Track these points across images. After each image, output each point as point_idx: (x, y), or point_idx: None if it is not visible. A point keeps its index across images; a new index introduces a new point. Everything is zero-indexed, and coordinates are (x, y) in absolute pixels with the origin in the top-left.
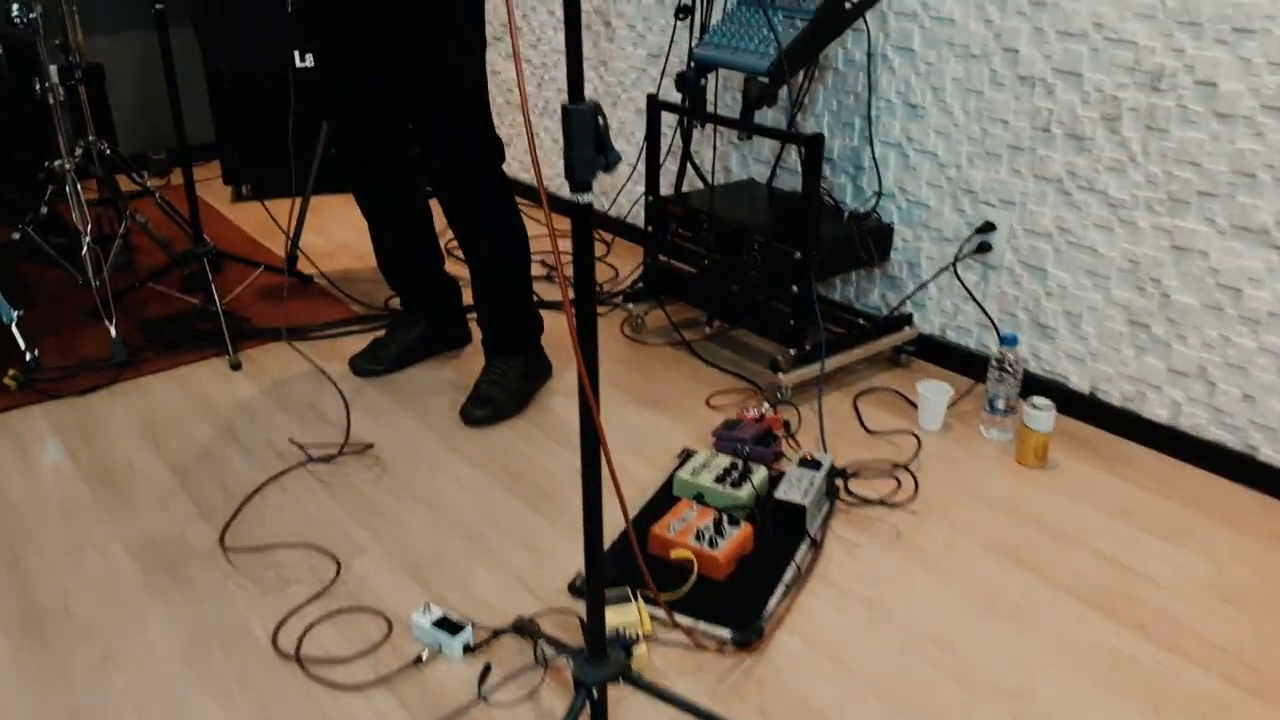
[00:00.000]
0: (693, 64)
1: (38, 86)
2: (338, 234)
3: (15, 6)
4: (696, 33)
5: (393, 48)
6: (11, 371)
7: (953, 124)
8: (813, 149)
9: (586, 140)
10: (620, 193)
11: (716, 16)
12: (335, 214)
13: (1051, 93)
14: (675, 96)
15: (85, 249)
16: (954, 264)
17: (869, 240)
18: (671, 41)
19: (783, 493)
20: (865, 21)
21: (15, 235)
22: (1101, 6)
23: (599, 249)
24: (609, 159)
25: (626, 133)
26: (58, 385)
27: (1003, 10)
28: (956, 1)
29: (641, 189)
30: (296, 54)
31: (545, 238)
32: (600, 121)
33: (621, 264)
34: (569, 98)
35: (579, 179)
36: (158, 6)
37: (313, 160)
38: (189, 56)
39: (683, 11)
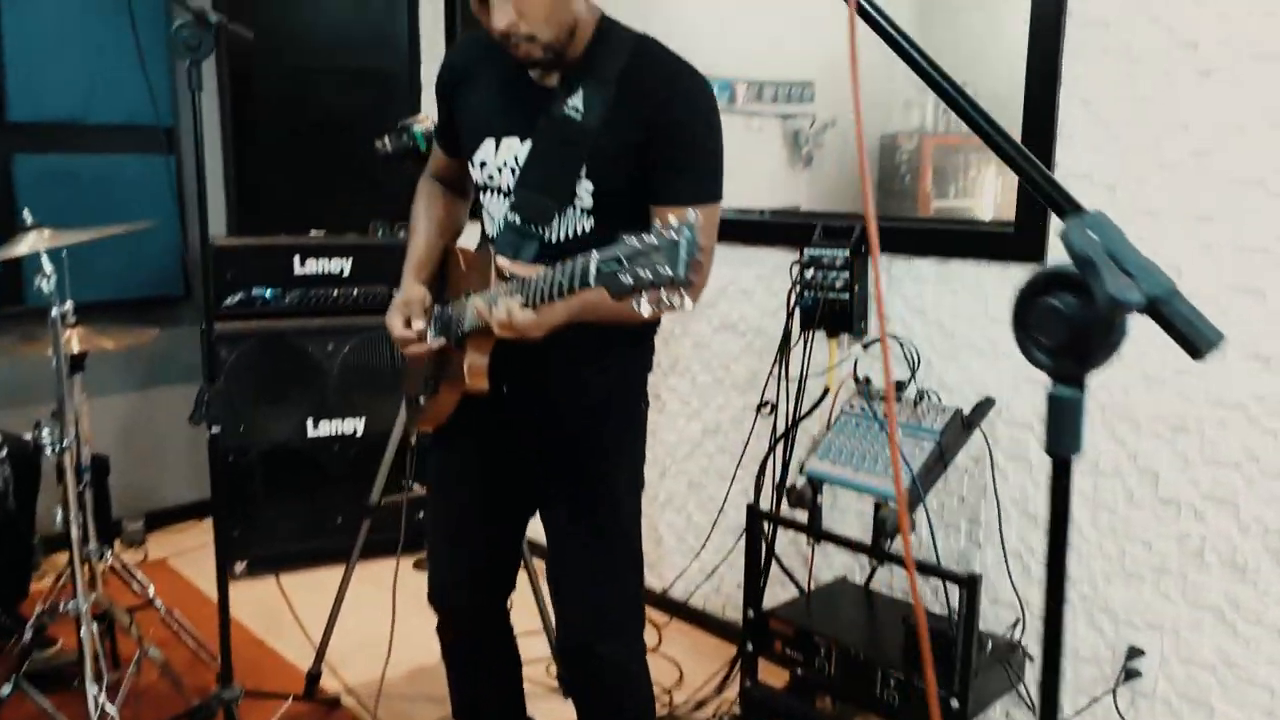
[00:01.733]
0: (807, 479)
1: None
2: (360, 622)
3: (46, 431)
4: (779, 427)
5: (555, 472)
6: None
7: (1083, 539)
8: (971, 591)
9: None
10: (681, 576)
11: (817, 418)
12: (357, 591)
13: (1202, 519)
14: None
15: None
16: (1113, 693)
17: (1018, 673)
18: (750, 434)
19: None
20: (982, 430)
21: (5, 689)
22: (1254, 440)
23: (649, 636)
24: None
25: (676, 504)
26: None
27: (1137, 431)
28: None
29: (695, 563)
30: (310, 421)
31: None
32: None
33: (683, 658)
34: None
35: None
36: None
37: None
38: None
39: (766, 406)
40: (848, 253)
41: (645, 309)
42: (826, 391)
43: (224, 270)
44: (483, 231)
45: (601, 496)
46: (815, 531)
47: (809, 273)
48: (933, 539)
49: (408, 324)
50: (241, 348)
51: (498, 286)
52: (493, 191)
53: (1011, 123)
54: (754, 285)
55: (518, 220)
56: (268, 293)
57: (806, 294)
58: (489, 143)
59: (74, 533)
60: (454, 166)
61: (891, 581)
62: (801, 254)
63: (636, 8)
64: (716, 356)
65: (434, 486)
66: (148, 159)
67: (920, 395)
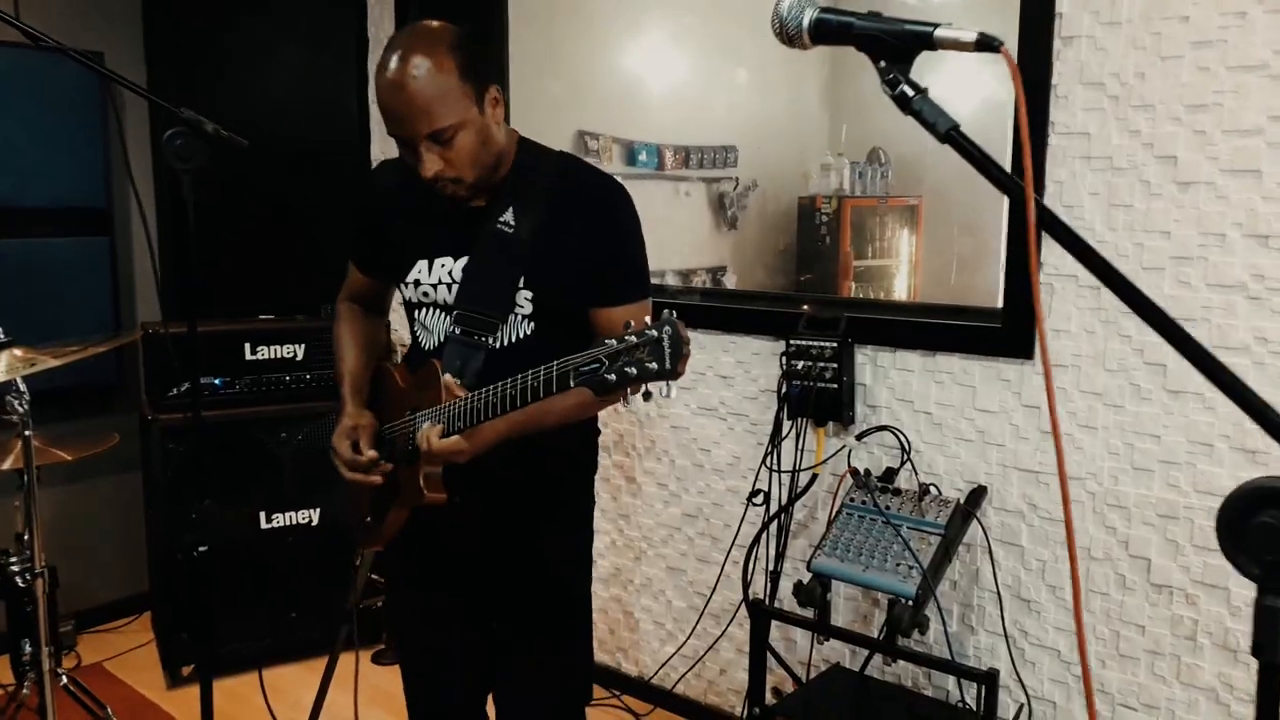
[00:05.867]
0: (814, 575)
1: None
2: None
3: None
4: (766, 513)
5: (506, 584)
6: None
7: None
8: (990, 687)
9: None
10: (664, 664)
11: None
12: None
13: (1194, 603)
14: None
15: None
16: None
17: None
18: (741, 523)
19: None
20: (977, 518)
21: None
22: None
23: None
24: None
25: (654, 589)
26: None
27: (1128, 520)
28: (1070, 505)
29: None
30: (263, 515)
31: None
32: None
33: None
34: None
35: None
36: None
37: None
38: (121, 501)
39: (757, 495)
40: (835, 344)
41: (633, 401)
42: (815, 478)
43: (169, 359)
44: (415, 345)
45: (553, 606)
46: (824, 628)
47: (796, 362)
48: (946, 636)
49: (356, 448)
50: (189, 440)
51: (450, 401)
52: (429, 308)
53: (915, 187)
54: (733, 371)
55: (459, 332)
56: (216, 381)
57: (795, 383)
58: (421, 263)
59: (45, 663)
60: (373, 287)
61: (885, 667)
62: (788, 344)
63: (571, 78)
64: (696, 440)
65: (399, 623)
66: (84, 242)
67: (924, 490)
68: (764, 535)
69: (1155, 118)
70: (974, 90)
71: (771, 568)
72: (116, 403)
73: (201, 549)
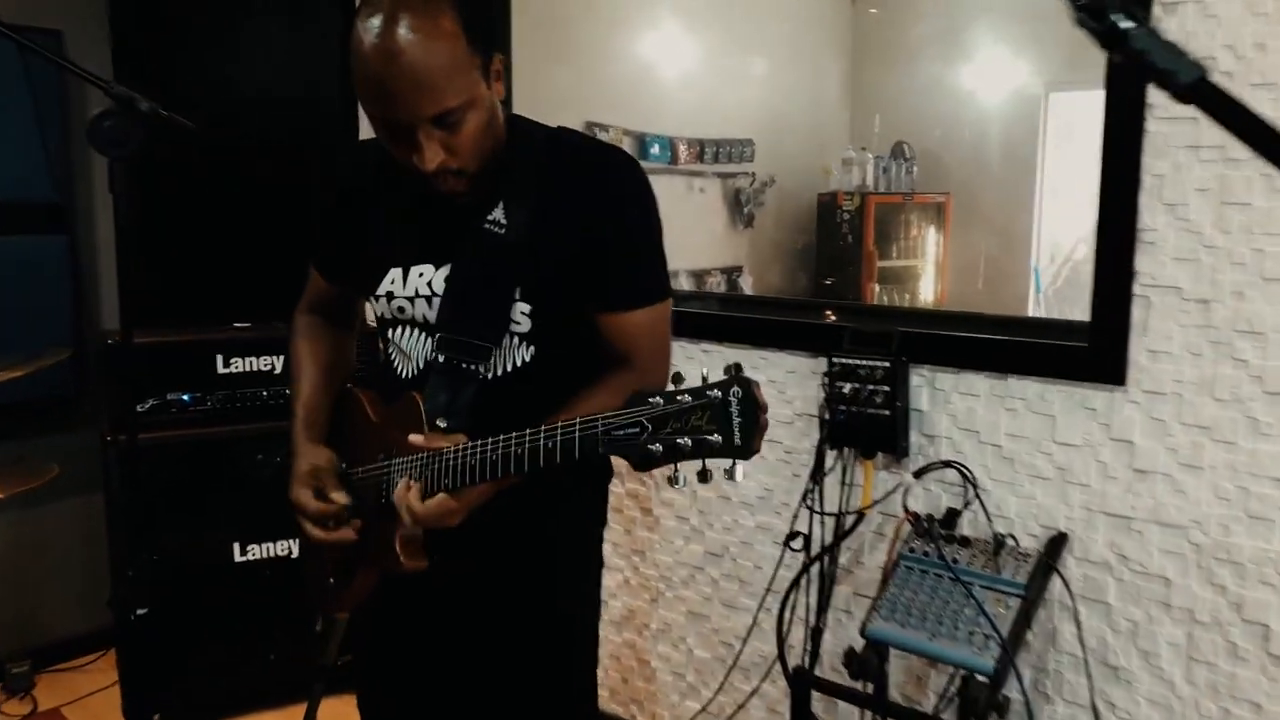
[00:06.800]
0: (869, 642)
1: None
2: None
3: None
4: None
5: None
6: None
7: (1174, 695)
8: None
9: None
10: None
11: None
12: None
13: None
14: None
15: None
16: None
17: None
18: (777, 567)
19: None
20: (1060, 573)
21: None
22: None
23: None
24: None
25: (673, 636)
26: None
27: (1241, 578)
28: (1168, 558)
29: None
30: (236, 546)
31: None
32: None
33: None
34: None
35: None
36: None
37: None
38: (84, 525)
39: (795, 538)
40: (888, 363)
41: (680, 482)
42: (862, 516)
43: (134, 372)
44: (390, 370)
45: (550, 648)
46: (882, 706)
47: (841, 384)
48: (1029, 710)
49: (319, 496)
50: (155, 463)
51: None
52: (404, 326)
53: (942, 183)
54: (764, 391)
55: (442, 359)
56: (185, 396)
57: (839, 408)
58: (395, 272)
59: None
60: (337, 295)
61: None
62: (831, 362)
63: (579, 64)
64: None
65: (364, 688)
66: (38, 241)
67: (999, 540)
68: (802, 581)
69: (1279, 97)
70: (1006, 81)
71: (813, 623)
72: (78, 417)
73: (141, 612)
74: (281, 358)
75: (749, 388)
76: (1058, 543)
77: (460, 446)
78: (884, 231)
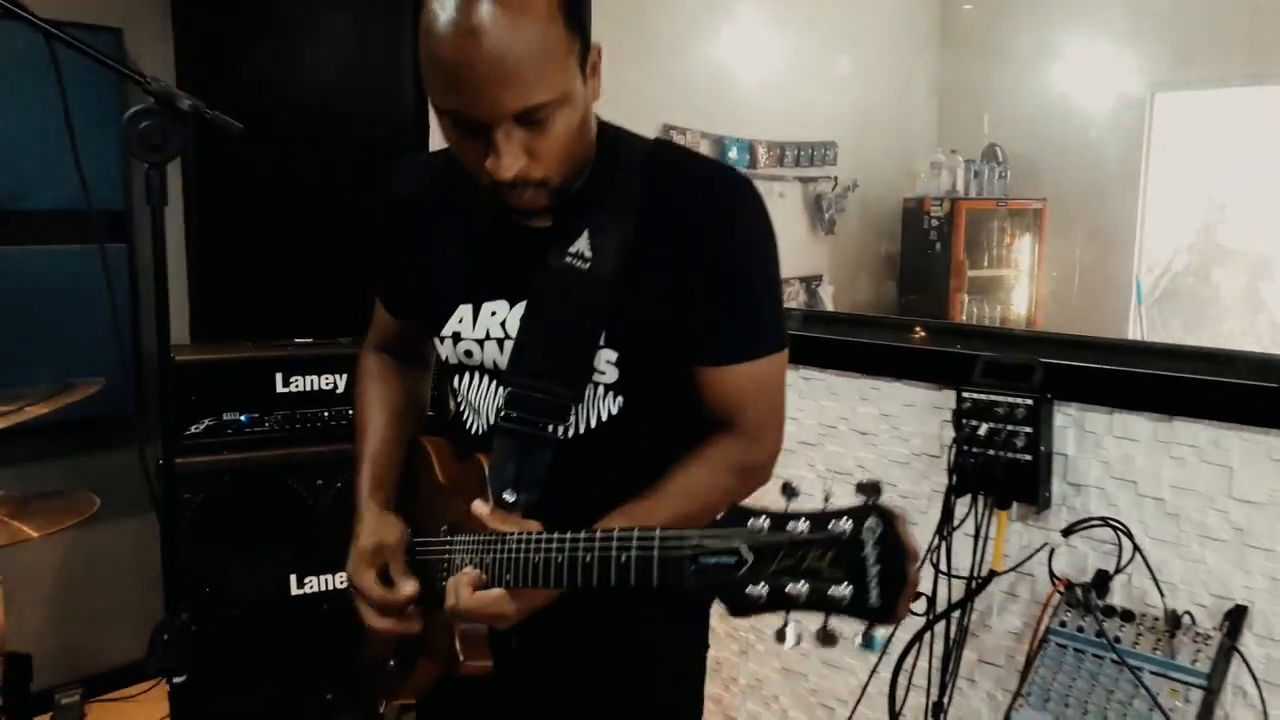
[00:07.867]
0: None
1: None
2: None
3: None
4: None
5: None
6: None
7: None
8: None
9: None
10: None
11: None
12: None
13: None
14: None
15: None
16: None
17: None
18: (891, 636)
19: None
20: (1242, 654)
21: None
22: None
23: None
24: None
25: (764, 695)
26: None
27: None
28: None
29: None
30: (294, 578)
31: None
32: None
33: None
34: None
35: None
36: None
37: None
38: (140, 548)
39: (917, 598)
40: (1031, 400)
41: (790, 639)
42: (993, 574)
43: (188, 391)
44: (461, 425)
45: None
46: None
47: (975, 423)
48: None
49: (383, 577)
50: (209, 488)
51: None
52: (473, 372)
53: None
54: (875, 425)
55: (515, 416)
56: (242, 417)
57: (972, 451)
58: (464, 309)
59: None
60: (405, 331)
61: None
62: (960, 396)
63: (655, 66)
64: None
65: None
66: (87, 251)
67: (1174, 618)
68: (919, 645)
69: None
70: (1107, 81)
71: (934, 696)
72: (134, 438)
73: (178, 680)
74: (344, 376)
75: (892, 524)
76: (1236, 616)
77: (524, 535)
78: (974, 239)
